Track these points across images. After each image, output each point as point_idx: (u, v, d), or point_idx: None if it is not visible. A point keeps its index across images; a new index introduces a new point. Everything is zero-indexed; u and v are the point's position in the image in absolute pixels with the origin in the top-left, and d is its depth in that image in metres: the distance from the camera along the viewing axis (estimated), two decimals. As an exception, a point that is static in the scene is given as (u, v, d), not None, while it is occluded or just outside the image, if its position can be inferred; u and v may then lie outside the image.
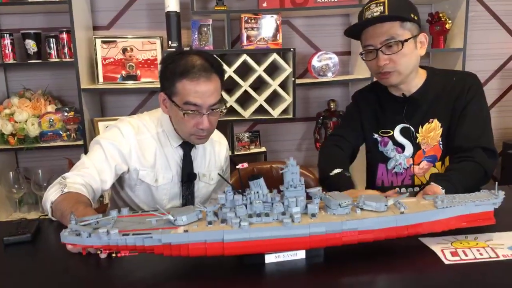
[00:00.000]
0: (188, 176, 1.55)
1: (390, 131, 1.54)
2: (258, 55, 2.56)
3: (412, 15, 1.40)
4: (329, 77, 2.68)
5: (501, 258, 0.98)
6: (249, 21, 2.49)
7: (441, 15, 2.65)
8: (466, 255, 0.99)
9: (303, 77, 2.86)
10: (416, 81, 1.50)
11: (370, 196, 1.05)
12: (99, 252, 1.01)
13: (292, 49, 2.44)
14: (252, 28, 2.50)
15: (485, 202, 1.05)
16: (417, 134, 1.51)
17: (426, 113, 1.49)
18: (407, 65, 1.42)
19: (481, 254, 1.00)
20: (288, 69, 2.45)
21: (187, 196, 1.57)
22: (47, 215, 1.33)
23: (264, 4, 2.52)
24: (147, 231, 0.94)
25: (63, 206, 1.25)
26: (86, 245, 0.94)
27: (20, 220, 1.29)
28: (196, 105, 1.39)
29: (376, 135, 1.57)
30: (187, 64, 1.38)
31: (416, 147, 1.52)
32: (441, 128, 1.48)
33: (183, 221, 0.96)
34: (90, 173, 1.40)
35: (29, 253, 1.14)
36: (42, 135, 2.45)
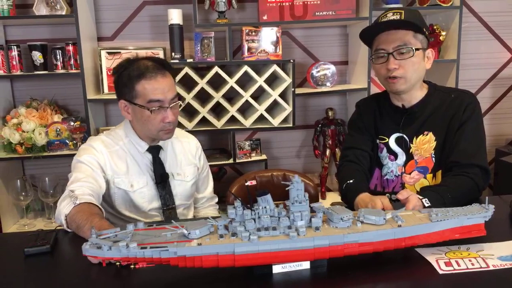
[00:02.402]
0: (161, 177, 1.63)
1: (385, 138, 1.62)
2: (259, 66, 2.63)
3: (424, 29, 1.49)
4: (327, 86, 2.76)
5: (491, 268, 1.05)
6: (250, 33, 2.56)
7: (435, 27, 2.74)
8: (459, 265, 1.07)
9: (302, 86, 2.94)
10: (418, 93, 1.57)
11: (370, 210, 1.13)
12: (118, 263, 1.08)
13: (291, 61, 2.52)
14: (253, 40, 2.57)
15: (476, 215, 1.13)
16: (411, 145, 1.58)
17: (422, 126, 1.56)
18: (414, 73, 1.50)
19: (472, 264, 1.07)
20: (288, 80, 2.53)
21: (165, 195, 1.65)
22: (62, 226, 1.40)
23: (265, 17, 2.60)
24: (163, 244, 1.01)
25: (78, 218, 1.31)
26: (107, 257, 1.01)
27: (38, 231, 1.36)
28: (159, 101, 1.51)
29: (377, 140, 1.65)
30: (141, 67, 1.51)
31: (409, 156, 1.58)
32: (435, 142, 1.55)
33: (196, 235, 1.03)
34: (89, 181, 1.48)
35: (49, 264, 1.20)
36: (49, 144, 2.51)
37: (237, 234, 1.02)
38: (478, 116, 1.54)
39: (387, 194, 1.60)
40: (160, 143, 1.66)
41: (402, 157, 1.59)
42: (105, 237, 1.04)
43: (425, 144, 1.56)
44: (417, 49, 1.47)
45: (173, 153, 1.71)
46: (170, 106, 1.54)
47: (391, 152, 1.61)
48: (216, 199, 1.94)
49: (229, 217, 1.07)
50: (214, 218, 1.08)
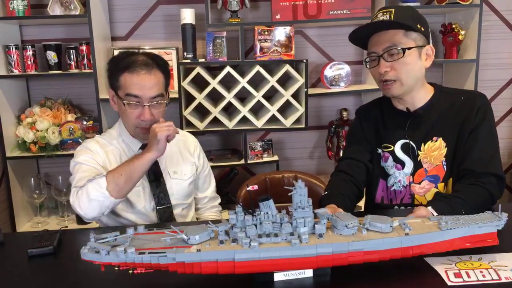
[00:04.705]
0: (154, 175, 1.63)
1: (391, 146, 1.53)
2: (271, 65, 2.61)
3: (419, 26, 1.41)
4: (341, 87, 2.71)
5: (503, 280, 1.00)
6: (263, 33, 2.53)
7: (454, 26, 2.66)
8: (469, 276, 1.02)
9: (316, 86, 2.90)
10: (421, 95, 1.49)
11: (376, 217, 1.09)
12: (116, 268, 1.06)
13: (304, 61, 2.48)
14: (265, 40, 2.54)
15: (488, 224, 1.07)
16: (419, 152, 1.49)
17: (430, 131, 1.48)
18: (409, 74, 1.42)
19: (483, 276, 1.02)
20: (300, 80, 2.49)
21: (159, 194, 1.63)
22: (67, 227, 1.40)
23: (278, 16, 2.56)
24: (162, 250, 0.99)
25: (119, 171, 1.41)
26: (105, 262, 1.00)
27: (42, 232, 1.36)
28: (137, 97, 1.51)
29: (379, 150, 1.56)
30: (130, 60, 1.53)
31: (417, 164, 1.49)
32: (446, 148, 1.46)
33: (196, 240, 1.01)
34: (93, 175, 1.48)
35: (51, 265, 1.20)
36: (62, 143, 2.54)
37: (238, 240, 1.00)
38: (491, 119, 1.45)
39: (396, 207, 1.54)
40: None
41: (409, 166, 1.50)
42: (104, 241, 1.03)
43: (434, 151, 1.47)
44: (408, 49, 1.39)
45: (169, 151, 1.67)
46: (150, 104, 1.52)
47: (397, 160, 1.52)
48: (219, 200, 1.91)
49: (230, 223, 1.04)
50: (214, 223, 1.05)
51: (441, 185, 1.48)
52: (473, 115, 1.43)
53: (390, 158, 1.53)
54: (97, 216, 1.44)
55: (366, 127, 1.60)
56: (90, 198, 1.39)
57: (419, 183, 1.50)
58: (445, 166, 1.47)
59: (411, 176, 1.51)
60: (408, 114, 1.50)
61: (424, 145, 1.49)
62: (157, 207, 1.62)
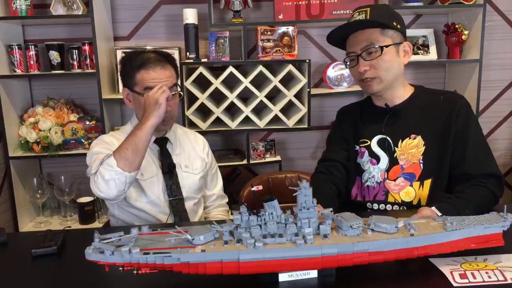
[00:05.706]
0: (168, 167, 1.66)
1: (367, 141, 1.53)
2: (274, 65, 2.60)
3: (395, 23, 1.43)
4: (344, 87, 2.71)
5: (509, 281, 1.00)
6: (265, 33, 2.53)
7: (457, 26, 2.65)
8: (474, 277, 1.02)
9: (318, 86, 2.89)
10: (401, 92, 1.51)
11: (381, 218, 1.09)
12: (120, 268, 1.06)
13: (307, 61, 2.48)
14: (268, 40, 2.54)
15: (494, 224, 1.07)
16: (396, 148, 1.49)
17: (408, 128, 1.48)
18: (388, 72, 1.43)
19: (489, 277, 1.02)
20: (303, 80, 2.49)
21: (172, 185, 1.67)
22: (70, 227, 1.40)
23: (280, 16, 2.56)
24: (166, 250, 0.99)
25: (124, 146, 1.45)
26: (109, 262, 1.00)
27: (46, 232, 1.36)
28: None
29: (357, 147, 1.56)
30: (144, 58, 1.60)
31: (393, 161, 1.49)
32: (424, 146, 1.46)
33: (200, 241, 1.01)
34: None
35: (55, 265, 1.20)
36: (65, 143, 2.53)
37: (242, 240, 1.00)
38: (476, 119, 1.47)
39: (368, 203, 1.53)
40: (167, 135, 1.71)
41: (385, 161, 1.50)
42: (109, 241, 1.03)
43: (412, 149, 1.47)
44: (386, 46, 1.41)
45: (180, 146, 1.75)
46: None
47: (373, 155, 1.52)
48: (226, 199, 1.93)
49: (234, 223, 1.04)
50: (219, 223, 1.05)
51: (416, 184, 1.47)
52: (454, 117, 1.43)
53: (366, 153, 1.53)
54: (119, 194, 1.47)
55: (344, 127, 1.61)
56: (105, 180, 1.43)
57: (394, 180, 1.49)
58: (421, 165, 1.47)
59: (386, 173, 1.50)
60: (387, 109, 1.51)
61: (402, 141, 1.49)
62: (169, 198, 1.65)
